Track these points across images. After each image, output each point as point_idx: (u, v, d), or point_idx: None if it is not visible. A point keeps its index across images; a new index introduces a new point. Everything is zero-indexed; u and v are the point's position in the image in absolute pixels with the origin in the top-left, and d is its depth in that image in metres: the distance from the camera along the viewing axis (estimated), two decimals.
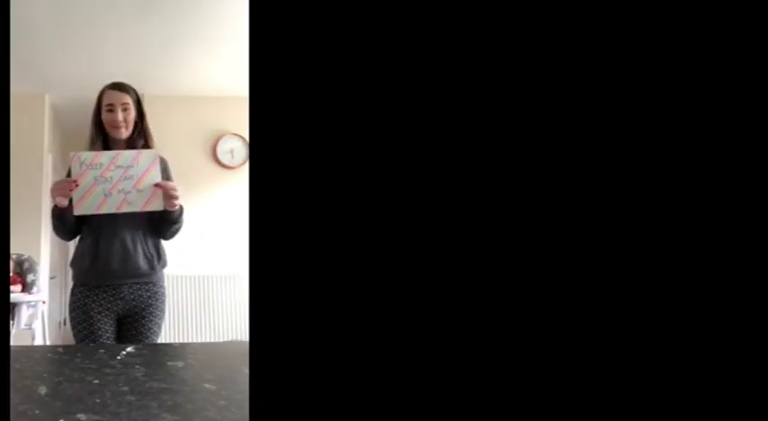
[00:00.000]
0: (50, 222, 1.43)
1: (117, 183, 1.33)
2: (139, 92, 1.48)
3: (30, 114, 3.47)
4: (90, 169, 1.33)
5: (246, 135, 3.63)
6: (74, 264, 1.43)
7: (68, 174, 1.36)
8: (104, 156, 1.34)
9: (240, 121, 3.65)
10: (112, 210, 1.33)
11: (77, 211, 1.32)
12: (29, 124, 3.44)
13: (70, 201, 1.32)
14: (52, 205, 1.36)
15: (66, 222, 1.38)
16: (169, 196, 1.35)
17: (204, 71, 3.28)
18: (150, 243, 1.44)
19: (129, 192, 1.33)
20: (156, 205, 1.35)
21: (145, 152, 1.38)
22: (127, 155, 1.36)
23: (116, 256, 1.38)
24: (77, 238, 1.45)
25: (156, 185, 1.35)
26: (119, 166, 1.34)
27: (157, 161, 1.37)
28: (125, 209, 1.34)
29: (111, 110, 1.38)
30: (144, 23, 2.65)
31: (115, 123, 1.38)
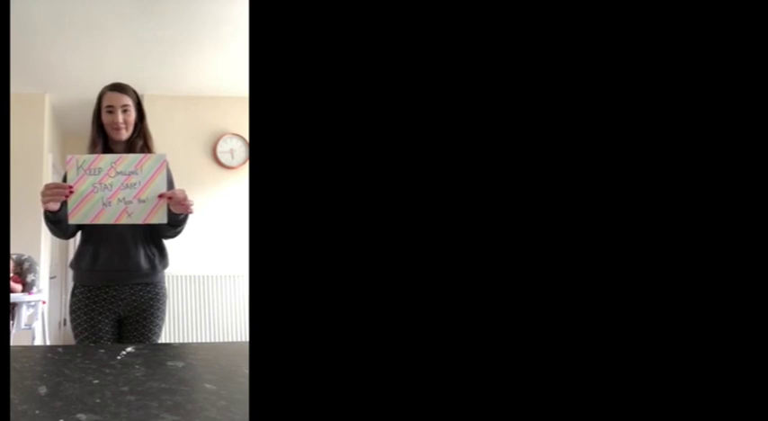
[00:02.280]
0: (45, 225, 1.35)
1: (117, 192, 1.22)
2: (139, 92, 1.47)
3: (30, 114, 3.47)
4: (88, 174, 1.22)
5: (246, 135, 3.63)
6: (74, 265, 1.42)
7: (64, 179, 1.28)
8: (104, 161, 1.23)
9: (240, 121, 3.65)
10: (110, 222, 1.23)
11: (72, 220, 1.24)
12: (29, 124, 3.45)
13: (63, 202, 1.24)
14: (43, 209, 1.27)
15: (60, 225, 1.32)
16: (181, 206, 1.27)
17: (204, 71, 3.27)
18: (152, 242, 1.43)
19: (130, 202, 1.22)
20: (160, 218, 1.24)
21: (150, 156, 1.25)
22: (130, 159, 1.24)
23: (117, 256, 1.37)
24: (77, 237, 1.44)
25: (162, 196, 1.24)
26: (120, 172, 1.22)
27: (164, 166, 1.25)
28: (124, 221, 1.23)
29: (111, 111, 1.37)
30: (144, 23, 2.65)
31: (115, 125, 1.37)
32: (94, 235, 1.38)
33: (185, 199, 1.28)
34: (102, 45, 2.87)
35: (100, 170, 1.23)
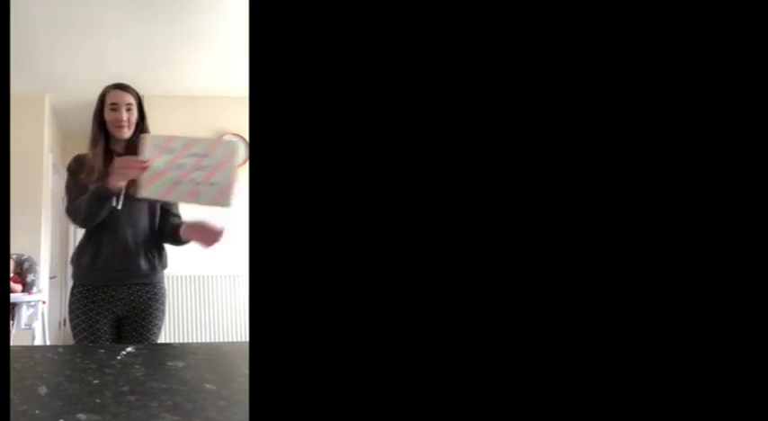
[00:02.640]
0: (83, 201, 1.31)
1: (189, 173, 1.23)
2: (139, 92, 1.47)
3: (30, 114, 3.47)
4: (163, 152, 1.24)
5: (246, 135, 3.63)
6: (74, 261, 1.42)
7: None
8: (178, 142, 1.25)
9: (240, 121, 3.65)
10: (179, 200, 1.27)
11: (143, 193, 1.24)
12: (29, 124, 3.44)
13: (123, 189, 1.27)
14: (103, 183, 1.27)
15: (104, 205, 1.30)
16: (212, 239, 1.35)
17: (204, 71, 3.27)
18: (152, 244, 1.44)
19: (200, 183, 1.23)
20: (225, 202, 1.25)
21: (221, 142, 1.27)
22: (202, 143, 1.26)
23: (117, 256, 1.37)
24: (77, 235, 1.44)
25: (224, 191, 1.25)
26: (193, 154, 1.24)
27: (236, 153, 1.26)
28: (192, 201, 1.25)
29: (115, 109, 1.37)
30: (144, 24, 2.65)
31: (119, 122, 1.37)
32: (96, 234, 1.38)
33: (218, 233, 1.36)
34: (102, 45, 2.87)
35: (174, 150, 1.24)
